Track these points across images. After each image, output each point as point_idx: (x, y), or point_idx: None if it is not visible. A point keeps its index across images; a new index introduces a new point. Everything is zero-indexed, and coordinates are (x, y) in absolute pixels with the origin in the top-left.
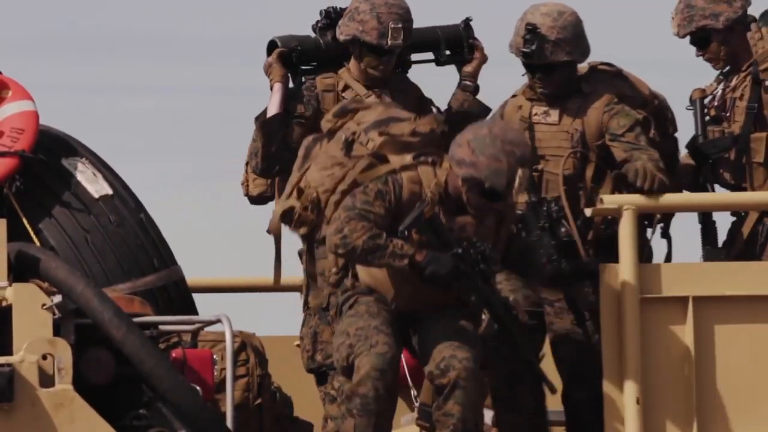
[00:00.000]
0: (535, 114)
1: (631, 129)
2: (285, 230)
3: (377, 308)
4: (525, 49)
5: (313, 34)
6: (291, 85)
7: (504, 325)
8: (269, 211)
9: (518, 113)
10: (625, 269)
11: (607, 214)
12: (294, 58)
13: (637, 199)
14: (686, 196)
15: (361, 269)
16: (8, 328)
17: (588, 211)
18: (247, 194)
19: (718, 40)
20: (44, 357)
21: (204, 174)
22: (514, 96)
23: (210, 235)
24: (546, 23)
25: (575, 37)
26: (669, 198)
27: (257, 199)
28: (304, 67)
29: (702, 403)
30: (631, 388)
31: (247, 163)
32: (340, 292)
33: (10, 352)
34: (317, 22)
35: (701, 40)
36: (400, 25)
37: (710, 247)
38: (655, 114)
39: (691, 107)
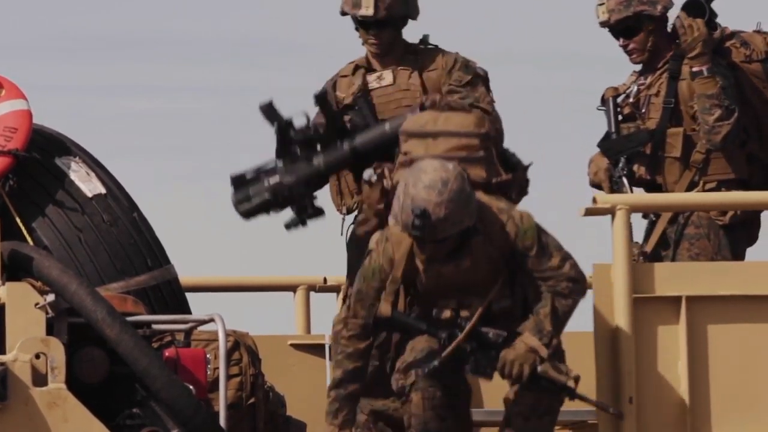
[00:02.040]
0: None
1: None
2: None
3: None
4: (416, 233)
5: None
6: None
7: None
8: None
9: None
10: (618, 268)
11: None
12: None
13: (631, 198)
14: (680, 196)
15: None
16: (1, 327)
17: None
18: None
19: (648, 29)
20: (37, 356)
21: (197, 173)
22: None
23: (203, 234)
24: (432, 199)
25: (463, 203)
26: (662, 198)
27: None
28: None
29: (695, 402)
30: (624, 387)
31: None
32: None
33: (3, 351)
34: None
35: (630, 28)
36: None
37: None
38: None
39: (602, 107)
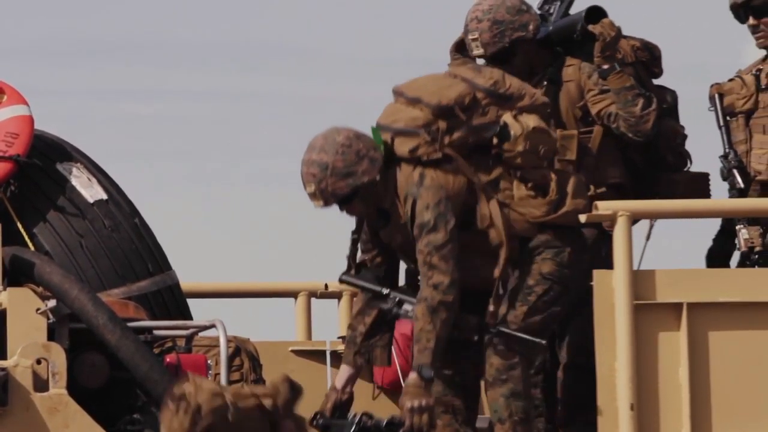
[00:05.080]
0: None
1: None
2: None
3: None
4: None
5: None
6: None
7: None
8: (259, 217)
9: None
10: (619, 275)
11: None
12: None
13: (632, 205)
14: (681, 203)
15: None
16: (2, 333)
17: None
18: None
19: (524, 50)
20: (38, 361)
21: (199, 179)
22: None
23: (205, 240)
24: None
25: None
26: (663, 204)
27: None
28: None
29: (696, 409)
30: (624, 394)
31: None
32: None
33: (4, 357)
34: None
35: (506, 55)
36: (313, 188)
37: None
38: None
39: None
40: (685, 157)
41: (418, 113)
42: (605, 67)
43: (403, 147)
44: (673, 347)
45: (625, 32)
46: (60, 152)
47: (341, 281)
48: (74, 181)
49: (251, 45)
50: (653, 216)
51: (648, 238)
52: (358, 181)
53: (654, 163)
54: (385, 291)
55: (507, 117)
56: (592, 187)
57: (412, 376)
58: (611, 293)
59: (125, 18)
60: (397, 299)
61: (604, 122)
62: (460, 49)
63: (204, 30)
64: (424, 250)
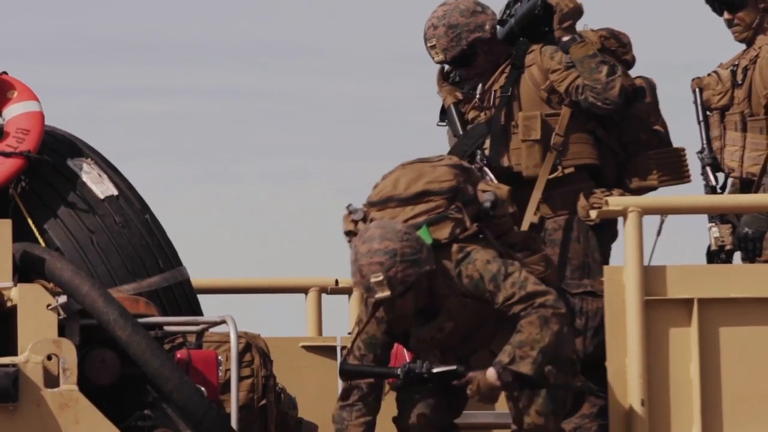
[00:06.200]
0: None
1: None
2: None
3: None
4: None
5: None
6: None
7: None
8: (269, 214)
9: None
10: (630, 271)
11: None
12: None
13: (643, 200)
14: (692, 198)
15: None
16: (13, 329)
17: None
18: None
19: (484, 51)
20: (49, 357)
21: (209, 175)
22: None
23: (215, 236)
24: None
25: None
26: (674, 200)
27: None
28: None
29: (707, 405)
30: (635, 390)
31: None
32: None
33: (15, 353)
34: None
35: (467, 57)
36: (381, 277)
37: None
38: None
39: (442, 122)
40: (661, 135)
41: (430, 205)
42: (566, 39)
43: (439, 234)
44: (684, 343)
45: (627, 32)
46: (70, 148)
47: (345, 371)
48: (85, 177)
49: (261, 44)
50: (663, 212)
51: (659, 233)
52: (422, 269)
53: (628, 143)
54: (398, 369)
55: (484, 186)
56: (560, 168)
57: (491, 373)
58: (622, 289)
59: (133, 16)
60: (426, 363)
61: (573, 98)
62: (445, 77)
63: (214, 29)
64: (512, 290)
